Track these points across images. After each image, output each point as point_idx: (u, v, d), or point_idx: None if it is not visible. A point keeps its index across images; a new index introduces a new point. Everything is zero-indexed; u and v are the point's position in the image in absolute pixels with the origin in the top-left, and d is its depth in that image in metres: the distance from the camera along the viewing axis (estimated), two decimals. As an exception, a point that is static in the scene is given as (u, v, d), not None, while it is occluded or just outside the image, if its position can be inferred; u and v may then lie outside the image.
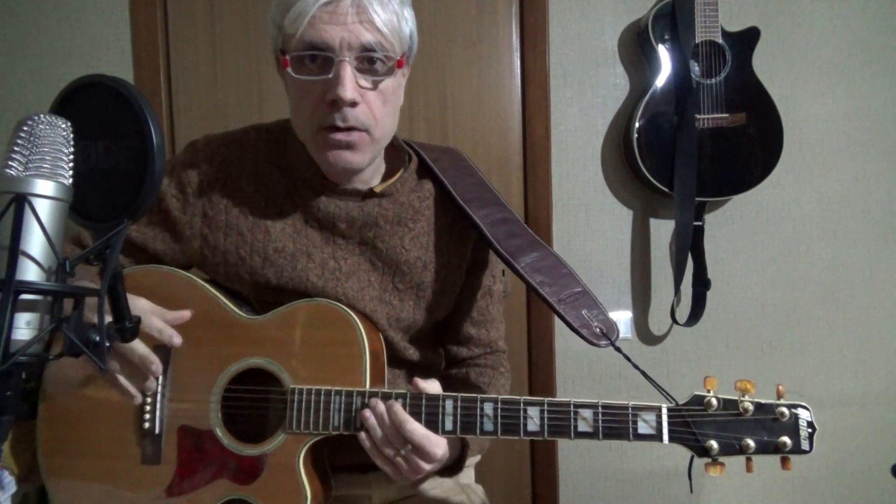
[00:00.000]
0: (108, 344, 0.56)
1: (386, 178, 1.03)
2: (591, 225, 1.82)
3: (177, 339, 0.89)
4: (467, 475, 1.18)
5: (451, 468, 0.98)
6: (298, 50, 0.86)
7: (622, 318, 1.82)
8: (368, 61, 0.87)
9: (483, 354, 1.12)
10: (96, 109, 0.57)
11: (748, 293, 1.84)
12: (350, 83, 0.85)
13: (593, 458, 1.84)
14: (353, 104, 0.86)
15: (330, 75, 0.85)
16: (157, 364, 0.87)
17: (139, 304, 0.88)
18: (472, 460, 1.19)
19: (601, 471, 1.84)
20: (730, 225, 1.83)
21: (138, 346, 0.85)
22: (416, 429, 0.86)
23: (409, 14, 0.92)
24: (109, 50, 1.74)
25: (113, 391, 0.88)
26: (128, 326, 0.65)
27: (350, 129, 0.88)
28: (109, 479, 0.94)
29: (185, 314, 0.92)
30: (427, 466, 0.88)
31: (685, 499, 1.83)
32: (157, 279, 0.99)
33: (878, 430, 1.85)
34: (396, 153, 1.06)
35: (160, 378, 0.94)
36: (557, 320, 1.79)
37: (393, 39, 0.88)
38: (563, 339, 1.81)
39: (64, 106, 0.57)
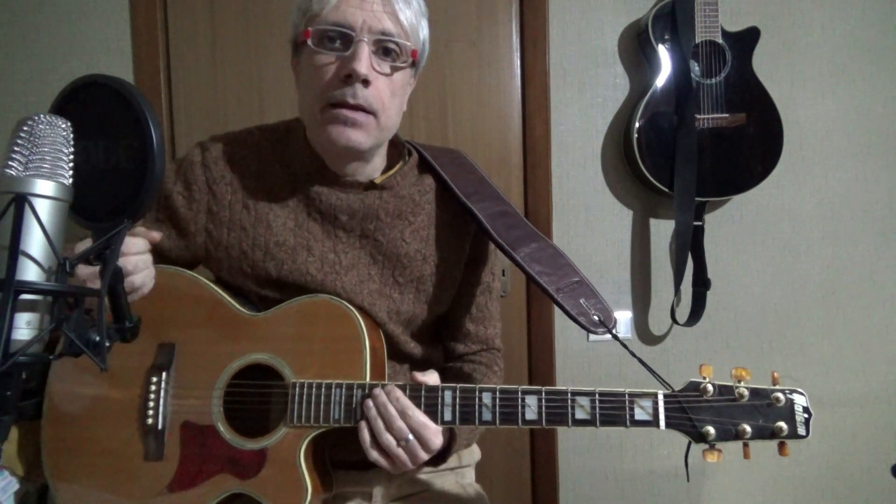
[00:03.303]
0: (108, 344, 0.56)
1: (386, 171, 1.04)
2: (591, 225, 1.82)
3: (155, 234, 0.91)
4: (467, 475, 1.18)
5: (438, 457, 0.99)
6: (320, 25, 0.90)
7: (622, 318, 1.82)
8: (384, 50, 0.92)
9: (479, 351, 1.13)
10: (96, 109, 0.57)
11: (748, 293, 1.84)
12: (366, 60, 0.89)
13: (593, 458, 1.84)
14: (366, 82, 0.89)
15: (347, 52, 0.89)
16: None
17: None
18: (473, 459, 1.20)
19: (601, 471, 1.84)
20: (730, 225, 1.83)
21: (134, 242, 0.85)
22: (417, 415, 0.88)
23: (425, 24, 0.98)
24: (109, 50, 1.74)
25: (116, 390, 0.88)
26: (128, 326, 0.65)
27: (357, 107, 0.90)
28: (113, 475, 0.95)
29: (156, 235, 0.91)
30: (424, 455, 0.89)
31: (685, 499, 1.83)
32: (162, 279, 0.99)
33: (878, 430, 1.85)
34: (396, 150, 1.08)
35: (164, 374, 0.94)
36: (557, 318, 1.81)
37: (410, 34, 0.93)
38: (564, 339, 1.81)
39: (64, 106, 0.57)
